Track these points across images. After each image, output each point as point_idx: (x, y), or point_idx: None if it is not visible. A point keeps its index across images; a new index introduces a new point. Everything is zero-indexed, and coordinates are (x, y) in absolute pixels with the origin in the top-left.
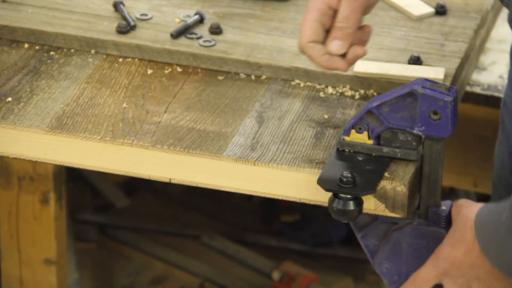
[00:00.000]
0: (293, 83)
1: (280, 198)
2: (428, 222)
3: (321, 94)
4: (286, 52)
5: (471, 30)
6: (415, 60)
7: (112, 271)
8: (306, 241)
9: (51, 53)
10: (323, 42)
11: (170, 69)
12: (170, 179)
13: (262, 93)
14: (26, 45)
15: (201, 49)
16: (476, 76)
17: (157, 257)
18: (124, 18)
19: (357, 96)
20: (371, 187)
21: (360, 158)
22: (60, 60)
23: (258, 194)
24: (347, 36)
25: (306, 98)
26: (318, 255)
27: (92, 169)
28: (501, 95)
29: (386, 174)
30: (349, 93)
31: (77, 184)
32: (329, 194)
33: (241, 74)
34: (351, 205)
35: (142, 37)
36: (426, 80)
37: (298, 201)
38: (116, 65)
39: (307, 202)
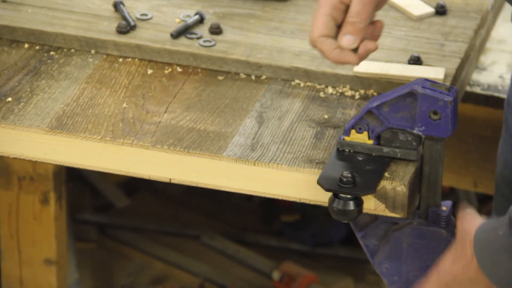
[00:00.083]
0: (293, 83)
1: (280, 198)
2: (428, 222)
3: (321, 94)
4: (286, 52)
5: (471, 30)
6: (415, 60)
7: (112, 271)
8: (306, 241)
9: (51, 53)
10: (335, 36)
11: (170, 69)
12: (170, 179)
13: (262, 93)
14: (26, 45)
15: (201, 49)
16: (476, 76)
17: (157, 257)
18: (124, 18)
19: (357, 96)
20: (371, 187)
21: (360, 158)
22: (60, 60)
23: (258, 194)
24: (359, 31)
25: (306, 98)
26: (318, 255)
27: (92, 169)
28: (501, 95)
29: (386, 174)
30: (349, 93)
31: (77, 184)
32: (329, 194)
33: (241, 74)
34: (351, 205)
35: (142, 37)
36: (426, 80)
37: (298, 201)
38: (116, 65)
39: (307, 202)
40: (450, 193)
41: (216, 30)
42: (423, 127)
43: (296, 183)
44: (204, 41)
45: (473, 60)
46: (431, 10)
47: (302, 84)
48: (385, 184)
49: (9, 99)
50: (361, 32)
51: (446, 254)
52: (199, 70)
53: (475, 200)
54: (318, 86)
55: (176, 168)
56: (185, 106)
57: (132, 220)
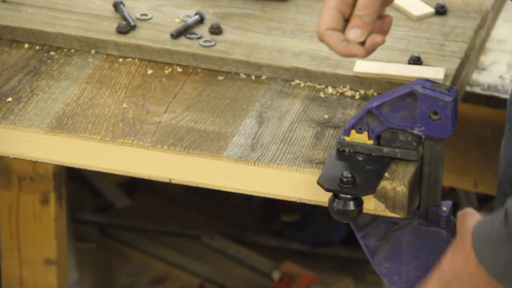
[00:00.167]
0: (293, 83)
1: (280, 198)
2: (428, 222)
3: (321, 94)
4: (286, 52)
5: (471, 30)
6: (415, 60)
7: (112, 271)
8: (306, 241)
9: (51, 53)
10: (342, 30)
11: (170, 69)
12: (170, 179)
13: (262, 93)
14: (26, 45)
15: (201, 49)
16: (476, 76)
17: (157, 257)
18: (124, 18)
19: (357, 96)
20: (371, 187)
21: (360, 158)
22: (60, 60)
23: (258, 194)
24: (366, 24)
25: (306, 98)
26: (318, 255)
27: (92, 169)
28: (501, 95)
29: (386, 174)
30: (349, 93)
31: (77, 184)
32: (329, 194)
33: (241, 74)
34: (351, 205)
35: (142, 37)
36: (426, 80)
37: (298, 201)
38: (116, 65)
39: (307, 202)
40: (450, 193)
41: (216, 30)
42: (423, 127)
43: (296, 183)
44: (204, 41)
45: (473, 60)
46: (431, 10)
47: (302, 84)
48: (385, 184)
49: (9, 99)
50: (369, 26)
51: (447, 252)
52: (199, 70)
53: (475, 200)
54: (318, 86)
55: (176, 168)
56: (185, 106)
57: (132, 220)
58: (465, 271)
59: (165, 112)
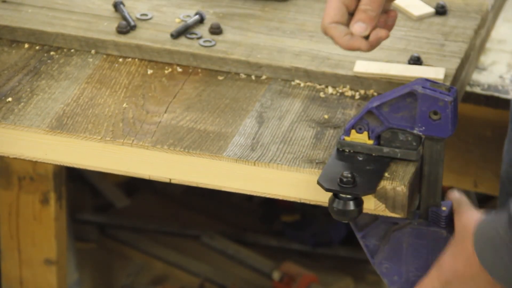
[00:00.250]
0: (293, 83)
1: (280, 198)
2: (428, 222)
3: (321, 94)
4: (286, 52)
5: (471, 30)
6: (415, 60)
7: (112, 271)
8: (306, 241)
9: (51, 53)
10: (346, 24)
11: (170, 69)
12: (170, 179)
13: (262, 93)
14: (26, 45)
15: (201, 49)
16: (476, 76)
17: (157, 257)
18: (124, 18)
19: (357, 96)
20: (371, 187)
21: (360, 158)
22: (60, 60)
23: (258, 194)
24: (371, 18)
25: (306, 98)
26: (318, 255)
27: (92, 169)
28: (501, 95)
29: (386, 174)
30: (349, 93)
31: (77, 184)
32: (329, 194)
33: (241, 74)
34: (351, 205)
35: (142, 37)
36: (426, 80)
37: (298, 201)
38: (116, 65)
39: (307, 202)
40: None
41: (216, 30)
42: (423, 127)
43: (296, 183)
44: (204, 41)
45: (473, 60)
46: (431, 10)
47: (302, 84)
48: (385, 184)
49: (9, 99)
50: (373, 20)
51: (446, 251)
52: (199, 70)
53: (475, 200)
54: (318, 86)
55: (176, 168)
56: (185, 106)
57: (132, 220)
58: (466, 272)
59: (165, 112)
